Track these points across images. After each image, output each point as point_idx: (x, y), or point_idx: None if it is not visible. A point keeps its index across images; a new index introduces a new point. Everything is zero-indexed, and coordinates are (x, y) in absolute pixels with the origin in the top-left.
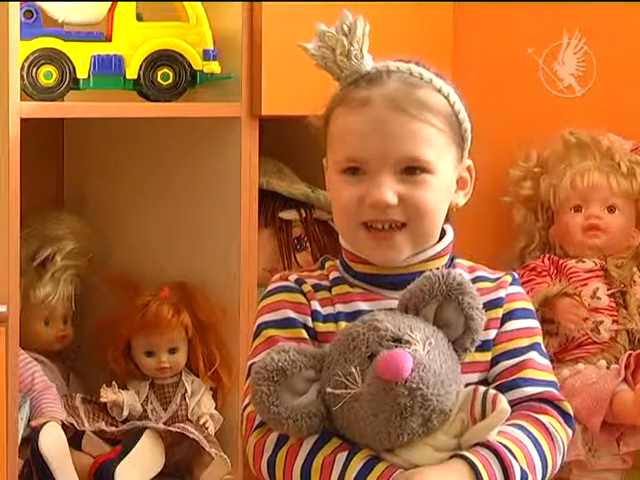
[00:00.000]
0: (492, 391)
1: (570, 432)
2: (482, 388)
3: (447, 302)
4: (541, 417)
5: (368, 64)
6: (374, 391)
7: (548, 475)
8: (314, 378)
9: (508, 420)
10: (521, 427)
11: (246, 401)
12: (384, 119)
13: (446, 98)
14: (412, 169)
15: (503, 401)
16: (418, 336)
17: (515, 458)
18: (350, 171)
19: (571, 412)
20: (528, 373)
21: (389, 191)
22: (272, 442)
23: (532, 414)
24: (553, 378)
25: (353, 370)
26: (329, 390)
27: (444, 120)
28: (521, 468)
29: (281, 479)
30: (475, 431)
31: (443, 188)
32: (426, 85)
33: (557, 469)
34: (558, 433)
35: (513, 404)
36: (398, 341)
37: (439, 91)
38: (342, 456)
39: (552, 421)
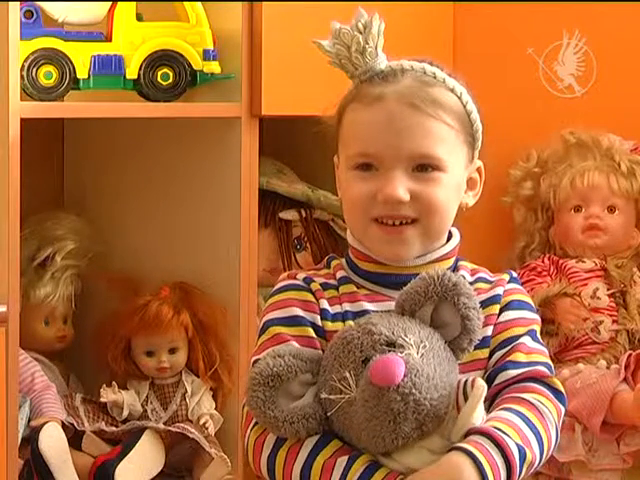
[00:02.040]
0: (469, 378)
1: (561, 407)
2: (462, 380)
3: (443, 303)
4: (524, 395)
5: (382, 62)
6: (367, 396)
7: (546, 451)
8: (311, 381)
9: (494, 407)
10: (506, 409)
11: (245, 399)
12: (397, 115)
13: (459, 98)
14: (424, 166)
15: (479, 380)
16: (412, 340)
17: (508, 436)
18: (362, 167)
19: (561, 388)
20: (517, 357)
21: (401, 187)
22: (272, 440)
23: (515, 395)
24: (543, 359)
25: (347, 375)
26: (324, 395)
27: (456, 118)
28: (516, 444)
29: (280, 478)
30: (460, 420)
31: (454, 186)
32: (439, 84)
33: (554, 446)
34: (546, 407)
35: (499, 388)
36: (392, 345)
37: (452, 90)
38: (343, 460)
39: (537, 397)
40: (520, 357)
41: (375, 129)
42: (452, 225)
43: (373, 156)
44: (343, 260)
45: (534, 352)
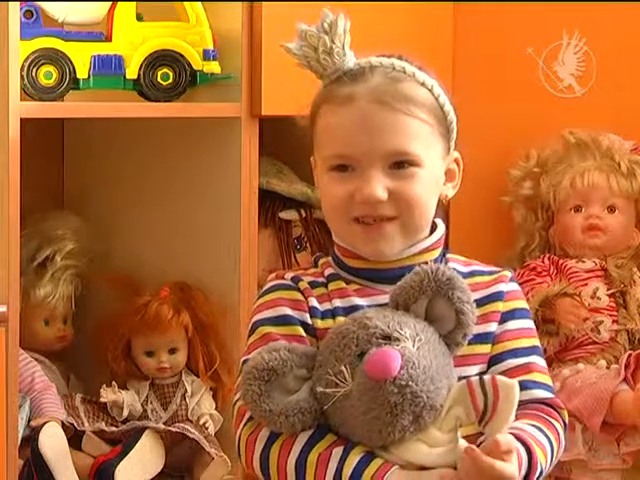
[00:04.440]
0: (486, 376)
1: (564, 441)
2: (475, 378)
3: (437, 297)
4: (553, 422)
5: (350, 61)
6: (364, 389)
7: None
8: (306, 376)
9: (524, 417)
10: (542, 431)
11: (237, 396)
12: (369, 114)
13: (430, 91)
14: (400, 163)
15: (502, 378)
16: (407, 333)
17: (538, 458)
18: (338, 168)
19: (567, 421)
20: (536, 376)
21: (379, 186)
22: (264, 436)
23: (547, 418)
24: (552, 384)
25: (343, 369)
26: (320, 389)
27: (429, 113)
28: (540, 467)
29: (275, 473)
30: (499, 417)
31: (432, 180)
32: (409, 79)
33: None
34: (562, 440)
35: (522, 403)
36: (387, 338)
37: (423, 84)
38: (338, 451)
39: (559, 428)
40: (539, 377)
41: (348, 130)
42: (439, 218)
43: (348, 157)
44: (330, 258)
45: (546, 374)
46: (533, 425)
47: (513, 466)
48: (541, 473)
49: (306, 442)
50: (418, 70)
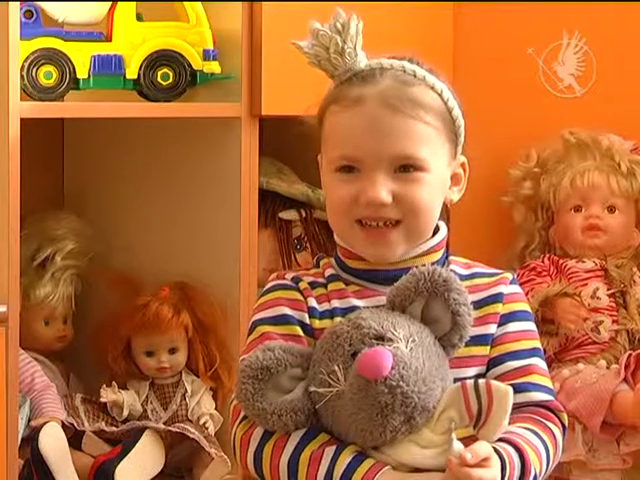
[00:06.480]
0: (481, 380)
1: (562, 444)
2: (470, 382)
3: (433, 299)
4: (550, 425)
5: (362, 61)
6: (356, 389)
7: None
8: (300, 376)
9: (520, 420)
10: (537, 435)
11: (234, 395)
12: (377, 117)
13: (439, 95)
14: (406, 167)
15: (497, 384)
16: (401, 334)
17: (532, 464)
18: (344, 169)
19: (567, 424)
20: (535, 379)
21: (383, 189)
22: (258, 435)
23: (543, 421)
24: (552, 387)
25: (336, 368)
26: (312, 388)
27: (437, 117)
28: (534, 474)
29: (268, 471)
30: (492, 421)
31: (437, 185)
32: (419, 82)
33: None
34: (559, 443)
35: (521, 406)
36: (381, 339)
37: (432, 88)
38: (331, 450)
39: (557, 431)
40: (539, 380)
41: (355, 132)
42: (442, 220)
43: (354, 159)
44: (332, 259)
45: (546, 376)
46: (528, 428)
47: (492, 470)
48: (535, 477)
49: (299, 441)
50: (429, 73)
